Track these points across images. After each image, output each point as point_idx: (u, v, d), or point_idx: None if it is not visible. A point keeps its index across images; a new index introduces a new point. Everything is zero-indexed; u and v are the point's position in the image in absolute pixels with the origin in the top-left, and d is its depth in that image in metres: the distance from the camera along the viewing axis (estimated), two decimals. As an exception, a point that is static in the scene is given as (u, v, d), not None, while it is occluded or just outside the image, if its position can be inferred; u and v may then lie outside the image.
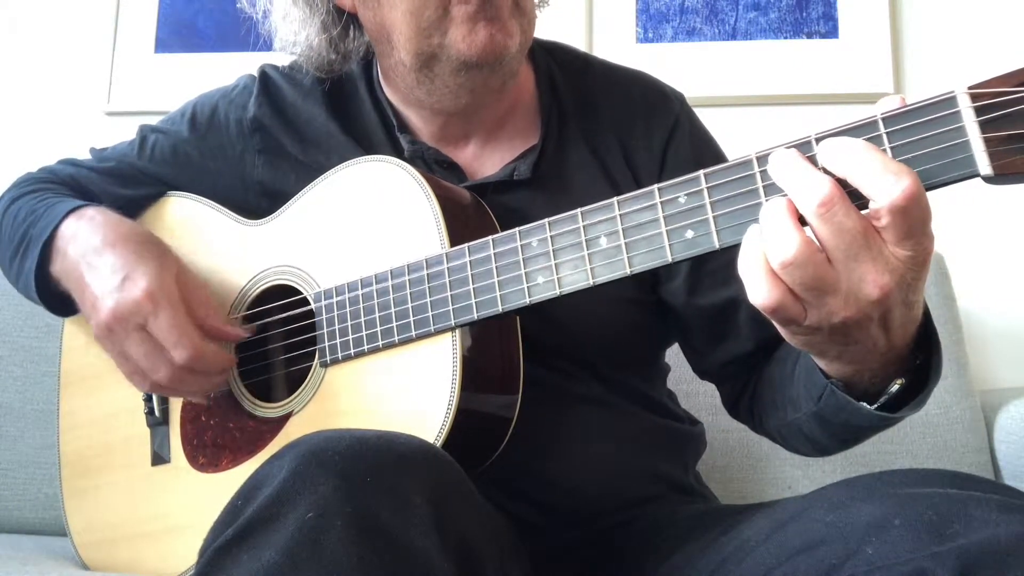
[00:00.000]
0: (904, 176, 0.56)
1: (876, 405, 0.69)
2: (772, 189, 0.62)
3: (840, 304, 0.59)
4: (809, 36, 1.74)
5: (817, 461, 1.41)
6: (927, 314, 0.68)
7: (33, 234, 0.96)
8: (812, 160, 0.60)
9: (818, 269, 0.58)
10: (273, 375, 0.97)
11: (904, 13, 1.74)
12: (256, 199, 1.02)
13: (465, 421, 0.79)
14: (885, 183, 0.56)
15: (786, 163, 0.60)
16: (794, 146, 0.61)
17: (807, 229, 0.59)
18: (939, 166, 0.58)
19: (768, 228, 0.59)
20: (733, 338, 0.93)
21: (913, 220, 0.57)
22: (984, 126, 0.56)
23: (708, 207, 0.65)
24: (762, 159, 0.63)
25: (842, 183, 0.58)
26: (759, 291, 0.60)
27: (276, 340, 0.97)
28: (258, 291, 0.96)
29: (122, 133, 1.12)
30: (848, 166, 0.58)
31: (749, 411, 0.95)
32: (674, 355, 1.04)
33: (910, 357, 0.68)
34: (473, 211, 0.88)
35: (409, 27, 0.87)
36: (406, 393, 0.82)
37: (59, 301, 0.96)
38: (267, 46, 1.03)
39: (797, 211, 0.59)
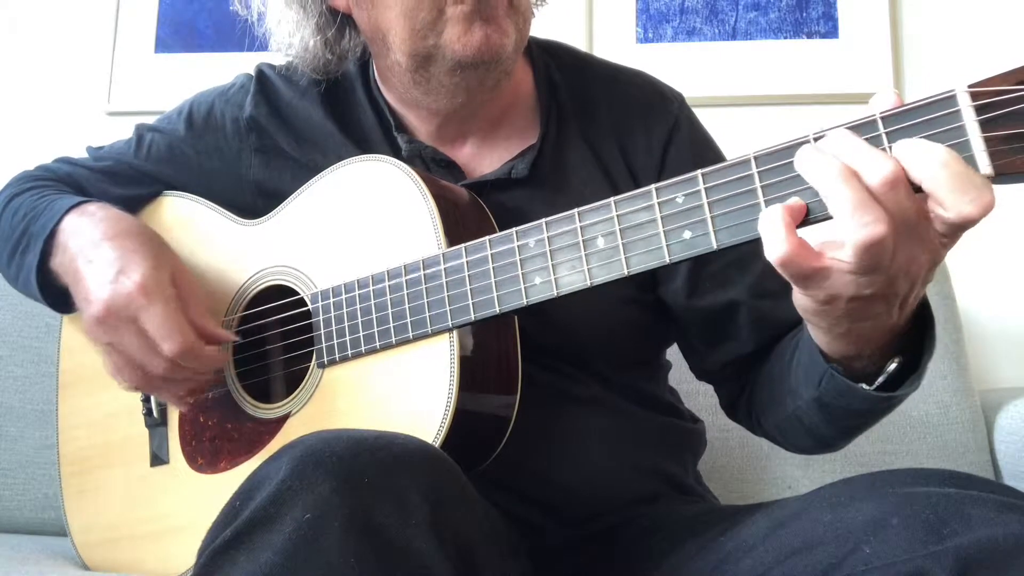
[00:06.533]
0: (985, 191, 0.54)
1: (875, 386, 0.69)
2: (771, 189, 0.62)
3: (880, 280, 0.59)
4: (809, 36, 1.74)
5: (817, 460, 1.41)
6: None
7: (34, 230, 0.96)
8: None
9: None
10: (271, 376, 0.97)
11: (904, 13, 1.74)
12: (252, 198, 1.02)
13: (463, 421, 0.78)
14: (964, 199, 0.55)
15: (849, 142, 0.58)
16: (794, 145, 0.61)
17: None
18: (939, 166, 0.57)
19: (817, 183, 0.58)
20: (733, 340, 0.92)
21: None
22: (984, 125, 0.55)
23: (706, 207, 0.65)
24: (760, 159, 0.63)
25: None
26: (775, 246, 0.58)
27: (274, 341, 0.96)
28: (255, 291, 0.96)
29: (122, 133, 1.12)
30: (929, 173, 0.56)
31: (747, 411, 0.94)
32: (674, 353, 1.04)
33: (905, 335, 0.68)
34: (471, 211, 0.88)
35: (404, 28, 0.87)
36: (404, 394, 0.82)
37: (59, 296, 0.96)
38: (266, 46, 1.03)
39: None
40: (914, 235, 0.58)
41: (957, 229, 0.57)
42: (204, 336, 0.89)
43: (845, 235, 0.57)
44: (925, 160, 0.55)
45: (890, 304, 0.62)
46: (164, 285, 0.87)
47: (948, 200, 0.55)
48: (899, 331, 0.67)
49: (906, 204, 0.56)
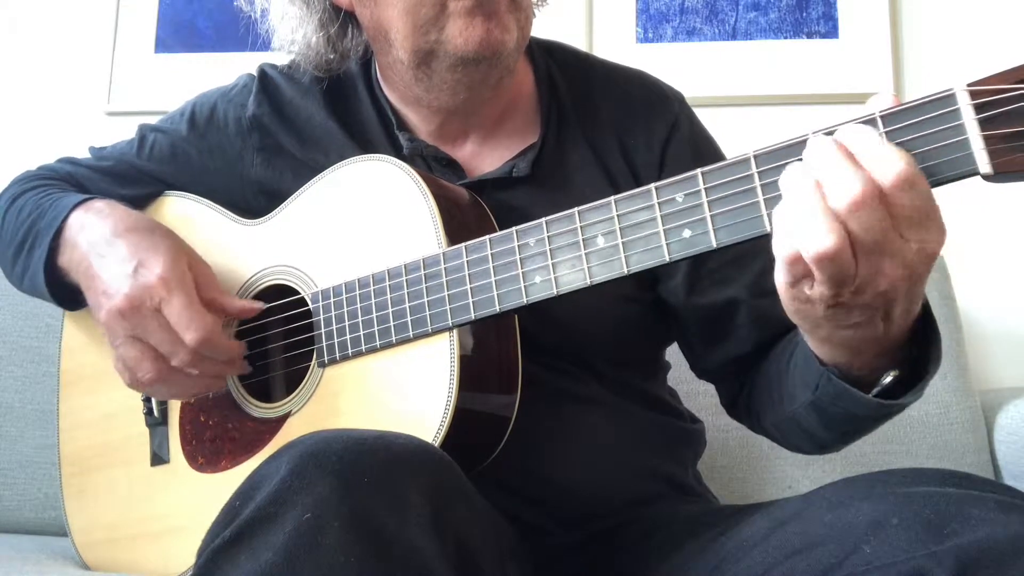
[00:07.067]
0: (898, 158, 0.56)
1: (871, 394, 0.69)
2: (770, 188, 0.62)
3: (848, 291, 0.59)
4: (809, 36, 1.74)
5: (817, 460, 1.41)
6: (926, 306, 0.67)
7: (40, 227, 0.96)
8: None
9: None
10: (271, 375, 0.97)
11: (904, 13, 1.74)
12: (254, 198, 1.02)
13: (463, 421, 0.78)
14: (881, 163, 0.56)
15: (824, 153, 0.59)
16: (794, 145, 0.61)
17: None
18: (938, 164, 0.58)
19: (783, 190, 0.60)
20: (732, 338, 0.92)
21: (913, 206, 0.57)
22: (983, 124, 0.56)
23: (705, 206, 0.65)
24: (760, 158, 0.63)
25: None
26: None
27: (274, 340, 0.97)
28: (256, 291, 0.96)
29: (122, 133, 1.12)
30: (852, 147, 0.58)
31: (747, 409, 0.94)
32: (674, 353, 1.04)
33: (904, 349, 0.68)
34: (471, 210, 0.88)
35: (406, 24, 0.87)
36: (404, 393, 0.82)
37: (67, 294, 0.96)
38: (267, 46, 1.03)
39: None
40: (883, 250, 0.58)
41: (903, 206, 0.57)
42: (223, 311, 0.89)
43: (800, 245, 0.58)
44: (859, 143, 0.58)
45: (870, 316, 0.62)
46: (184, 276, 0.87)
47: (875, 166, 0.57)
48: (892, 344, 0.67)
49: (873, 223, 0.57)
